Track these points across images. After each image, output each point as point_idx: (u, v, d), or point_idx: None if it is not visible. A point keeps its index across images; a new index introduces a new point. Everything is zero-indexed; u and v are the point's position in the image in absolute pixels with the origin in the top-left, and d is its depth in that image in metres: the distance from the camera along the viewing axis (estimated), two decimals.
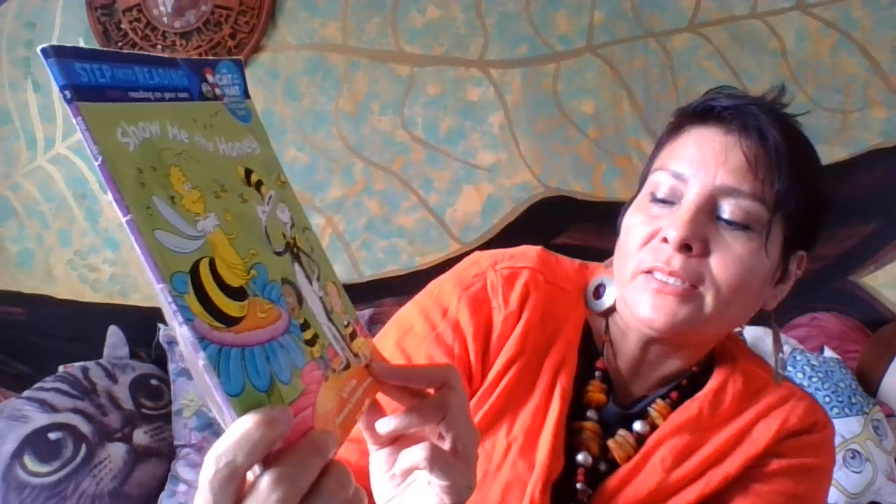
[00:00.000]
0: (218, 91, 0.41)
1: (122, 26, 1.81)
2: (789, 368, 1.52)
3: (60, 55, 0.30)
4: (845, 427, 1.44)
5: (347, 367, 0.42)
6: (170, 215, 0.33)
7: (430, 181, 1.82)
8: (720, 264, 0.61)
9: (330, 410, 0.38)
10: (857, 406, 1.47)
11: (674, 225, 0.61)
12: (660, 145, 0.69)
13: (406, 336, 0.68)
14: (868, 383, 1.58)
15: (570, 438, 0.67)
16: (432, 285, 0.73)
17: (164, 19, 1.80)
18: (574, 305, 0.72)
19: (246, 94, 0.43)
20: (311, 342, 0.39)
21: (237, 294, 0.34)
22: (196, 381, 0.39)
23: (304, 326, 0.39)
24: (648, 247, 0.63)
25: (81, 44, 1.84)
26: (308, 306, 0.40)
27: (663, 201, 0.64)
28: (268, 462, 0.33)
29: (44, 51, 0.30)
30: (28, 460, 1.41)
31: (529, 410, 0.66)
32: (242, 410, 0.32)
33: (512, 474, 0.63)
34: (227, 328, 0.33)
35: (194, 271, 0.33)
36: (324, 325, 0.41)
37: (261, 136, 0.43)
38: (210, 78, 0.40)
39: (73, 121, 0.31)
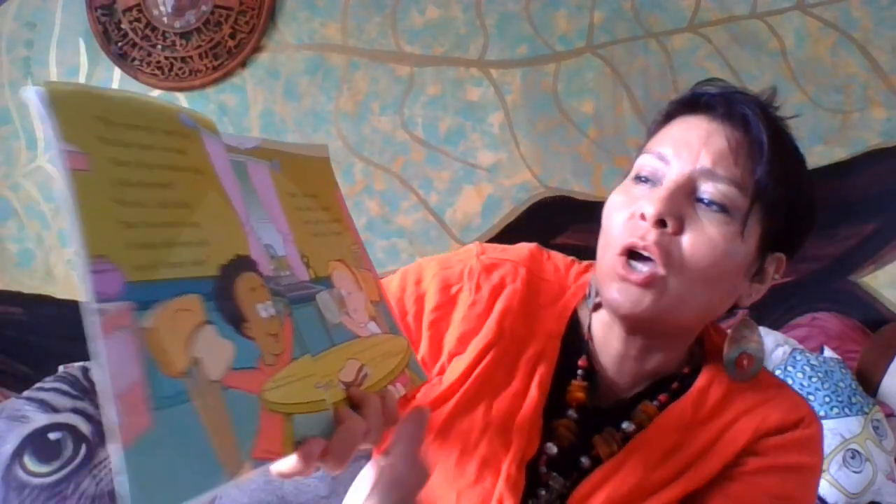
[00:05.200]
0: None
1: (123, 26, 1.81)
2: (789, 368, 1.52)
3: None
4: (845, 427, 1.44)
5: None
6: None
7: (430, 181, 1.83)
8: (691, 243, 0.61)
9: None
10: (857, 406, 1.47)
11: (651, 201, 0.61)
12: (649, 135, 0.70)
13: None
14: (868, 383, 1.58)
15: (547, 432, 0.68)
16: (427, 258, 0.77)
17: (164, 19, 1.80)
18: (559, 298, 0.73)
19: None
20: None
21: None
22: None
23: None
24: (627, 225, 0.64)
25: (81, 44, 1.84)
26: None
27: (645, 180, 0.65)
28: None
29: None
30: (28, 460, 1.41)
31: (507, 396, 0.67)
32: None
33: (488, 451, 0.65)
34: None
35: None
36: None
37: None
38: None
39: None
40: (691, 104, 0.66)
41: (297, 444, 0.43)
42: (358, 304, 0.55)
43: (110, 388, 0.33)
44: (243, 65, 1.82)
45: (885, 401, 1.57)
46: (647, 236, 0.61)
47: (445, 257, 0.76)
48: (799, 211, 0.66)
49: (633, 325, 0.65)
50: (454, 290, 0.72)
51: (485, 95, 1.79)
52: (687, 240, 0.61)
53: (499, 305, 0.70)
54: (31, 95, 0.34)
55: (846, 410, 1.46)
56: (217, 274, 0.40)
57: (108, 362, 0.33)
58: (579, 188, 1.78)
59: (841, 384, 1.49)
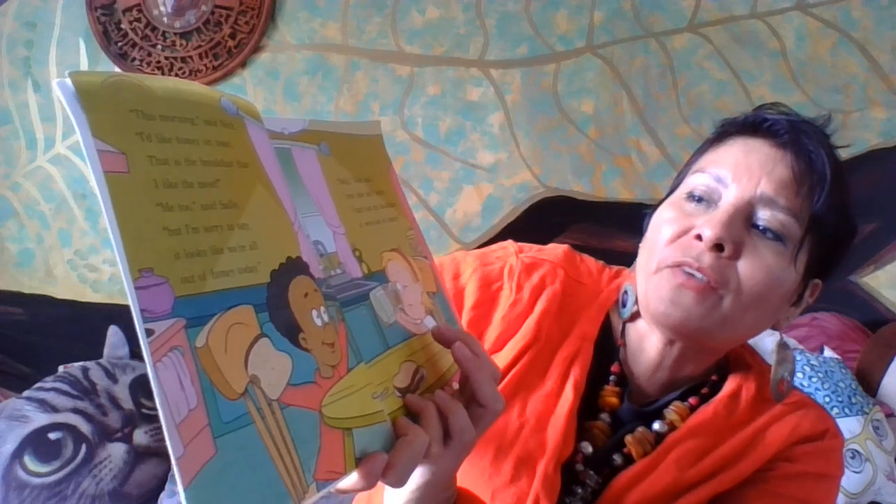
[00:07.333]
0: None
1: (122, 26, 1.81)
2: None
3: None
4: (845, 427, 1.43)
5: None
6: None
7: (430, 181, 1.83)
8: (748, 269, 0.61)
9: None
10: (857, 406, 1.47)
11: (710, 224, 0.61)
12: (700, 151, 0.70)
13: None
14: (868, 383, 1.58)
15: (580, 432, 0.68)
16: (461, 252, 0.77)
17: (164, 19, 1.80)
18: (593, 301, 0.73)
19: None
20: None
21: None
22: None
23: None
24: (679, 243, 0.64)
25: (81, 44, 1.84)
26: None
27: (700, 200, 0.65)
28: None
29: None
30: (28, 460, 1.41)
31: (541, 396, 0.67)
32: None
33: (524, 451, 0.65)
34: None
35: None
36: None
37: None
38: None
39: None
40: (751, 127, 0.66)
41: (358, 461, 0.40)
42: (414, 298, 0.51)
43: (169, 418, 0.30)
44: (243, 65, 1.82)
45: (885, 401, 1.57)
46: (701, 258, 0.61)
47: (482, 253, 0.76)
48: (844, 241, 0.67)
49: (677, 335, 0.66)
50: (495, 287, 0.72)
51: (485, 95, 1.79)
52: (744, 265, 0.61)
53: (539, 306, 0.70)
54: (58, 88, 0.31)
55: (846, 410, 1.46)
56: (269, 281, 0.36)
57: (163, 389, 0.30)
58: (579, 188, 1.78)
59: (841, 384, 1.49)
